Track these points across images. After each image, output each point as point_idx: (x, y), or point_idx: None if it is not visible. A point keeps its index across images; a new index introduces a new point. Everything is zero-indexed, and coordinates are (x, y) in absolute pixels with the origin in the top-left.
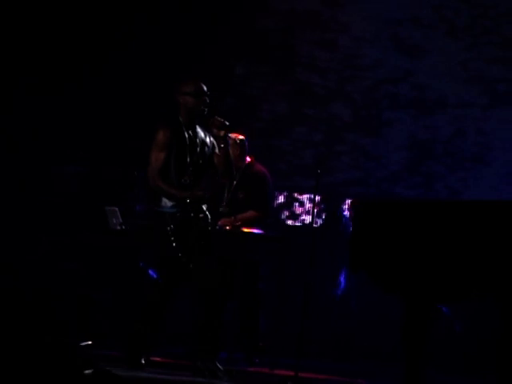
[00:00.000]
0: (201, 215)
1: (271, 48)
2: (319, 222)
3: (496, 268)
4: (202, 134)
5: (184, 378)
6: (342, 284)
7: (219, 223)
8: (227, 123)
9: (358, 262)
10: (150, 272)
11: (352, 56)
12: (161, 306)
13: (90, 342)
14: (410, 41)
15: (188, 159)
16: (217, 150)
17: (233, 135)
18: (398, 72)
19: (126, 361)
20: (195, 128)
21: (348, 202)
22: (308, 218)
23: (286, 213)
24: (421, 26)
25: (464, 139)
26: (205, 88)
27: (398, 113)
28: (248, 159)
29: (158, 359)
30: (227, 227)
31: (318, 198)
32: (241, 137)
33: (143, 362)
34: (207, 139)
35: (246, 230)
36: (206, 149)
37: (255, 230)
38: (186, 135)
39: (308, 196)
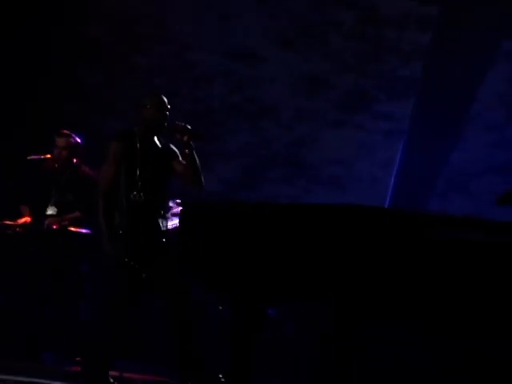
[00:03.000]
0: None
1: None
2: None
3: (325, 271)
4: (160, 146)
5: None
6: None
7: (46, 222)
8: (189, 127)
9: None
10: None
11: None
12: (115, 322)
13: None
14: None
15: (138, 173)
16: (180, 158)
17: (62, 138)
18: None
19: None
20: (152, 141)
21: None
22: None
23: None
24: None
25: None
26: (166, 101)
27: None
28: (75, 161)
29: (134, 375)
30: (54, 226)
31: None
32: (76, 139)
33: (111, 380)
34: (167, 151)
35: (73, 229)
36: (164, 162)
37: (83, 230)
38: (140, 148)
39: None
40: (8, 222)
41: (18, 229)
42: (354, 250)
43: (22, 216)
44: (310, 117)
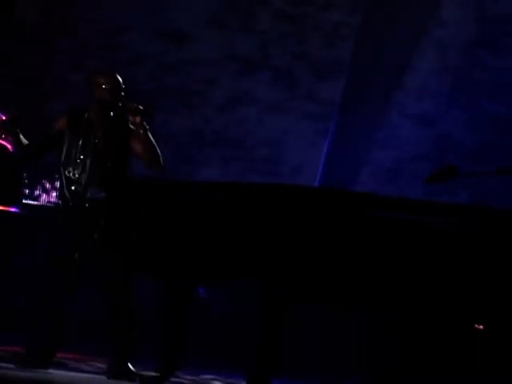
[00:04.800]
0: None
1: None
2: None
3: (252, 253)
4: (114, 126)
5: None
6: None
7: None
8: (141, 108)
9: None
10: None
11: None
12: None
13: None
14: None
15: (74, 150)
16: (135, 139)
17: None
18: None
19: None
20: (103, 120)
21: None
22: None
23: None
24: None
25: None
26: (121, 81)
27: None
28: None
29: (69, 355)
30: None
31: None
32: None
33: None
34: (125, 130)
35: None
36: (116, 142)
37: (12, 209)
38: (86, 127)
39: None
40: None
41: None
42: (279, 229)
43: None
44: (240, 98)
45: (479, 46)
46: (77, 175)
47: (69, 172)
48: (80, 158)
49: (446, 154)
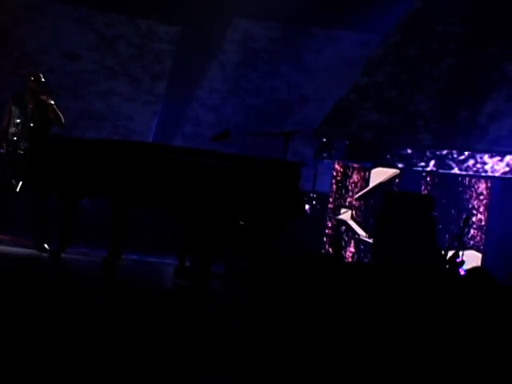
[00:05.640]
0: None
1: None
2: None
3: (109, 182)
4: (41, 104)
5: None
6: None
7: None
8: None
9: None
10: None
11: None
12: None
13: None
14: None
15: (15, 118)
16: (49, 110)
17: None
18: None
19: None
20: (36, 101)
21: None
22: None
23: None
24: None
25: None
26: (41, 76)
27: None
28: None
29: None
30: None
31: None
32: None
33: None
34: (45, 106)
35: None
36: (42, 113)
37: None
38: (23, 104)
39: None
40: None
41: None
42: (125, 166)
43: None
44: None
45: None
46: (15, 132)
47: (12, 130)
48: (17, 122)
49: None
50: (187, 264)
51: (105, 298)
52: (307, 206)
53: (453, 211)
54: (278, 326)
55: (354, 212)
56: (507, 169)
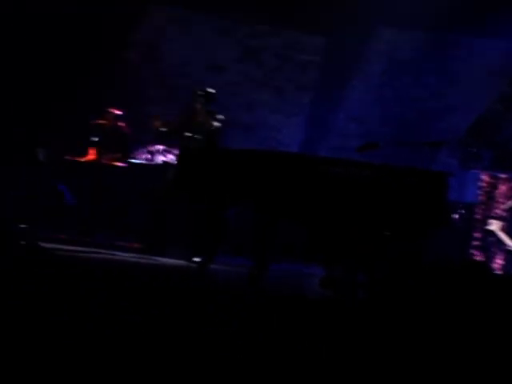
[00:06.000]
0: None
1: None
2: None
3: (252, 189)
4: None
5: None
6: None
7: None
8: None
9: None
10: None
11: None
12: None
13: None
14: None
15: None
16: None
17: None
18: None
19: None
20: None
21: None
22: None
23: None
24: None
25: None
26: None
27: None
28: None
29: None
30: None
31: None
32: None
33: None
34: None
35: None
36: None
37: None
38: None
39: None
40: None
41: None
42: (271, 178)
43: None
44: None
45: None
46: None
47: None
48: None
49: None
50: (332, 274)
51: (251, 308)
52: (455, 216)
53: None
54: (419, 333)
55: (502, 223)
56: None
